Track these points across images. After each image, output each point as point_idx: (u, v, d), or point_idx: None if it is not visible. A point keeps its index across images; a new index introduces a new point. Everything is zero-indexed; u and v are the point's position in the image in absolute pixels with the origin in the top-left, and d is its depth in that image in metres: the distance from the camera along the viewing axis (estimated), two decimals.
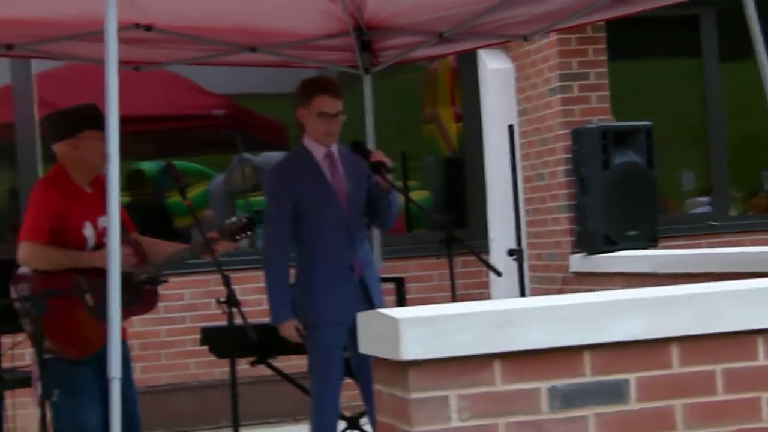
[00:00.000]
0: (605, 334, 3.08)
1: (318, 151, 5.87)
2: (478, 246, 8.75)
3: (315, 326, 5.81)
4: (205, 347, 6.72)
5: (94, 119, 5.36)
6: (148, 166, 9.88)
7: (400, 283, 7.22)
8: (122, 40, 4.56)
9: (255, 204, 9.49)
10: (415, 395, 2.98)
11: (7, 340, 5.98)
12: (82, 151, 5.51)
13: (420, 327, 2.98)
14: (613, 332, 3.08)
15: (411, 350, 2.96)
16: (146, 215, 8.44)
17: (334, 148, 5.91)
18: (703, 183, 10.20)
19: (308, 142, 5.89)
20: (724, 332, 3.20)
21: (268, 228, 5.86)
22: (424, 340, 2.97)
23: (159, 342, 8.83)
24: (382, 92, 7.57)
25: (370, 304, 5.75)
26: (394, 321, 2.99)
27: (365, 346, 3.21)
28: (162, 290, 5.73)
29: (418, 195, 10.01)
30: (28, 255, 5.37)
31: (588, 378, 3.08)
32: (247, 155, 10.00)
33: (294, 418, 8.68)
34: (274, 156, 9.52)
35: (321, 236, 5.82)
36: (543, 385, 3.05)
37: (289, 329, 5.80)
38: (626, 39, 9.39)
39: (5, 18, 5.77)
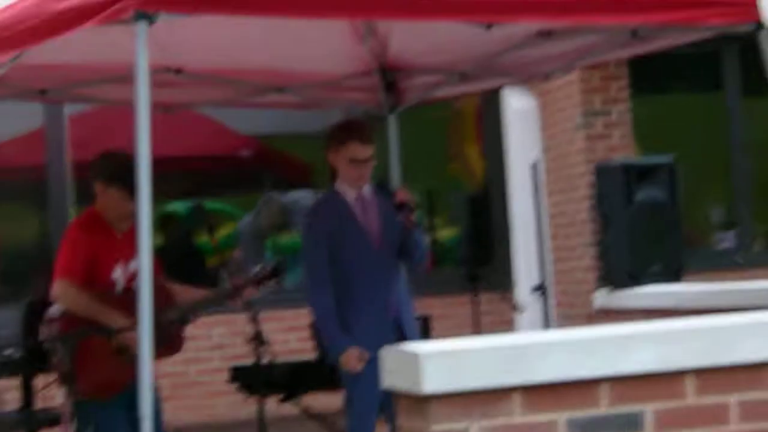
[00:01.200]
0: (621, 367, 3.15)
1: (350, 194, 5.96)
2: (503, 283, 8.79)
3: None
4: (234, 386, 6.81)
5: (123, 175, 5.38)
6: (178, 206, 9.99)
7: (425, 321, 7.28)
8: (153, 83, 4.68)
9: (284, 244, 9.58)
10: (435, 427, 3.06)
11: (39, 380, 6.09)
12: (108, 199, 5.66)
13: (440, 360, 3.06)
14: (629, 364, 3.16)
15: (431, 384, 3.04)
16: (177, 257, 8.53)
17: (367, 189, 6.00)
18: (729, 217, 10.22)
19: (340, 185, 5.99)
20: (738, 364, 3.26)
21: (309, 266, 5.91)
22: (444, 374, 3.05)
23: (188, 382, 8.90)
24: (408, 130, 7.65)
25: (404, 341, 5.79)
26: (414, 355, 3.08)
27: (388, 381, 3.29)
28: (191, 330, 5.83)
29: (446, 233, 10.08)
30: (62, 293, 5.50)
31: (605, 409, 3.15)
32: (275, 194, 10.10)
33: None
34: (301, 195, 9.63)
35: (354, 277, 5.88)
36: (561, 417, 3.13)
37: (352, 358, 5.77)
38: (649, 74, 9.46)
39: (39, 64, 5.89)
